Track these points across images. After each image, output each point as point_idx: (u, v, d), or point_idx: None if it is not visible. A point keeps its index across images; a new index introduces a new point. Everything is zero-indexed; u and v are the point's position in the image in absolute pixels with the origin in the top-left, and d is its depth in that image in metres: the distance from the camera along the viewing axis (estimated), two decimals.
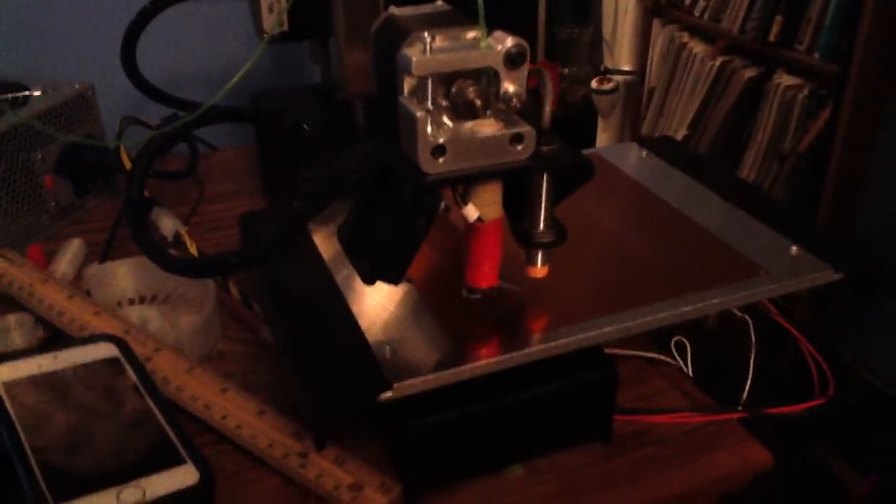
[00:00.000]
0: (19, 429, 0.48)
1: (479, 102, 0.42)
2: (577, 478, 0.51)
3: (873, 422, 1.46)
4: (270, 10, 0.64)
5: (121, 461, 0.47)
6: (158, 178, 0.75)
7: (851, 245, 0.57)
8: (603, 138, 2.30)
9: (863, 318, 1.52)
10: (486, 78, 0.42)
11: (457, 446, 0.49)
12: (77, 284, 0.65)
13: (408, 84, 0.43)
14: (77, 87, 0.73)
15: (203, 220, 0.76)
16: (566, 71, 2.36)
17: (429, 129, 0.42)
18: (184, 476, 0.46)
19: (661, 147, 0.70)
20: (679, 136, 1.88)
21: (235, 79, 0.60)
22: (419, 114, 0.41)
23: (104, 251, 0.68)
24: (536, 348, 0.48)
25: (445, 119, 0.42)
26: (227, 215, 0.76)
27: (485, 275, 0.48)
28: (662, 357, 0.60)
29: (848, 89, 1.42)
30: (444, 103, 0.42)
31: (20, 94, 0.72)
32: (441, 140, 0.41)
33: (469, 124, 0.42)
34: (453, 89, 0.42)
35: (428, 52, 0.41)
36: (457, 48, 0.42)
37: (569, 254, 0.50)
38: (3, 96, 0.72)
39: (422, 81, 0.42)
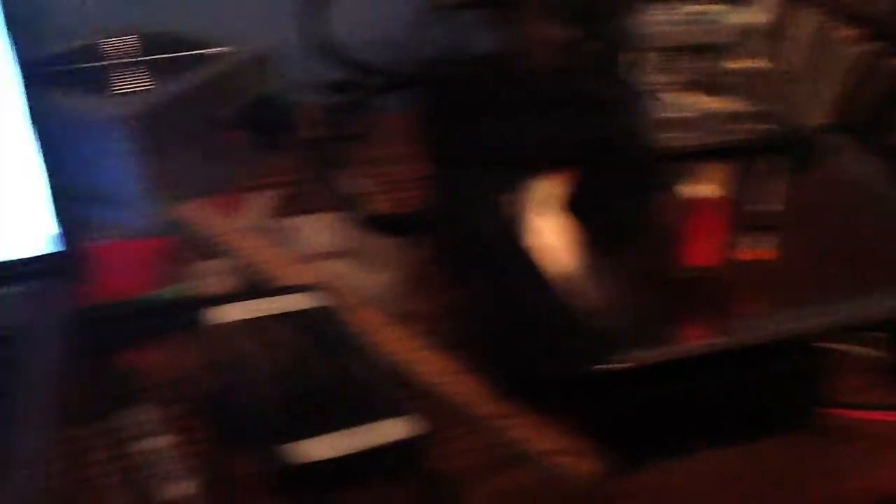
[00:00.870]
0: (244, 369, 0.50)
1: (709, 78, 0.41)
2: (776, 467, 0.51)
3: None
4: None
5: (340, 409, 0.49)
6: (334, 139, 0.77)
7: None
8: None
9: None
10: (718, 53, 0.42)
11: (659, 424, 0.49)
12: (265, 236, 0.67)
13: (641, 57, 0.43)
14: (259, 46, 0.75)
15: (376, 182, 0.77)
16: None
17: (655, 103, 0.42)
18: (400, 427, 0.48)
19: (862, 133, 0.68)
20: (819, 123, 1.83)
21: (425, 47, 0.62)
22: (653, 87, 0.41)
23: (290, 205, 0.70)
24: (746, 334, 0.47)
25: (671, 94, 0.42)
26: (399, 178, 0.77)
27: (704, 253, 0.48)
28: (860, 350, 0.58)
29: None
30: (670, 78, 0.42)
31: (206, 52, 0.75)
32: (672, 114, 0.41)
33: (701, 99, 0.42)
34: (679, 64, 0.42)
35: (653, 25, 0.40)
36: (689, 23, 0.41)
37: (788, 237, 0.49)
38: (189, 53, 0.75)
39: (657, 55, 0.42)
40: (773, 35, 0.43)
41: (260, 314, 0.55)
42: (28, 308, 0.56)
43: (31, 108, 0.54)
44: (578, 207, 0.49)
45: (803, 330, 0.48)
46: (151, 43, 0.78)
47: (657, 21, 0.41)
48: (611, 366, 0.45)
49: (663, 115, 0.42)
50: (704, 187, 0.46)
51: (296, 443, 0.45)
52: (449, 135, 0.77)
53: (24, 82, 0.53)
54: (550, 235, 0.54)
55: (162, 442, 0.49)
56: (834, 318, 0.49)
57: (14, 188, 0.56)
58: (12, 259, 0.57)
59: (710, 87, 0.43)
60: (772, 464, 0.51)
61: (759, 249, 0.49)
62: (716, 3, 0.42)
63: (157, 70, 0.73)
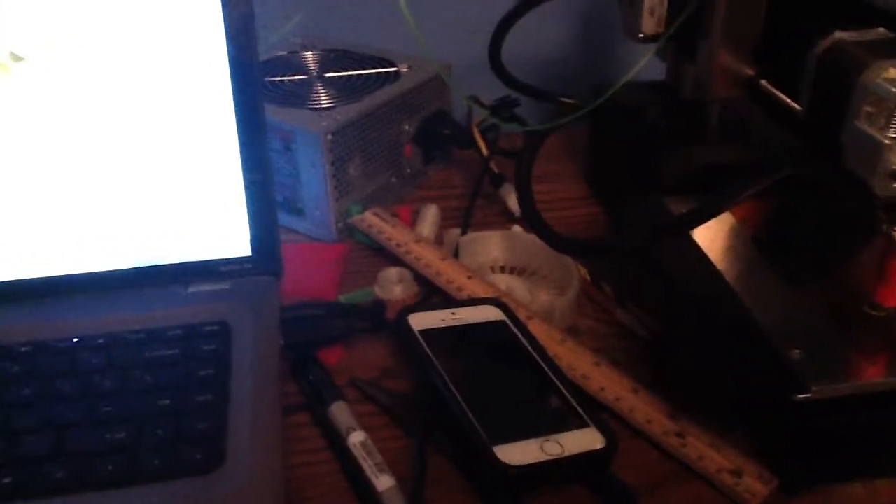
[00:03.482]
0: (445, 374, 0.55)
1: None
2: None
3: None
4: (651, 13, 0.67)
5: (536, 417, 0.53)
6: (498, 154, 0.81)
7: None
8: None
9: None
10: None
11: (838, 451, 0.52)
12: (441, 247, 0.72)
13: (865, 108, 0.46)
14: (438, 65, 0.80)
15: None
16: None
17: (891, 155, 0.45)
18: (591, 438, 0.52)
19: None
20: None
21: (629, 76, 0.65)
22: (886, 141, 0.44)
23: (465, 219, 0.74)
24: None
25: None
26: (554, 196, 0.81)
27: (894, 294, 0.51)
28: None
29: None
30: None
31: (391, 69, 0.80)
32: None
33: None
34: None
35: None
36: None
37: None
38: (377, 70, 0.80)
39: (887, 108, 0.45)
40: None
41: (448, 322, 0.60)
42: (234, 303, 0.60)
43: (239, 115, 0.58)
44: (774, 238, 0.52)
45: None
46: (340, 59, 0.84)
47: None
48: (810, 396, 0.48)
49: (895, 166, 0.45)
50: None
51: (500, 446, 0.50)
52: (622, 159, 0.81)
53: (235, 90, 0.57)
54: (738, 261, 0.57)
55: (366, 436, 0.54)
56: None
57: (219, 191, 0.60)
58: (215, 259, 0.62)
59: None
60: None
61: None
62: None
63: (346, 85, 0.79)
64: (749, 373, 0.51)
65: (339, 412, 0.55)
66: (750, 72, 0.64)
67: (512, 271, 0.70)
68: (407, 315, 0.60)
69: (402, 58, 0.82)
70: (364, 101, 0.74)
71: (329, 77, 0.79)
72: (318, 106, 0.74)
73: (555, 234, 0.60)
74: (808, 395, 0.48)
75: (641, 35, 0.69)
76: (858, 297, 0.53)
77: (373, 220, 0.73)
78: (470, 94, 0.82)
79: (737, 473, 0.53)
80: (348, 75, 0.79)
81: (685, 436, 0.55)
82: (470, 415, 0.52)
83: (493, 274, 0.69)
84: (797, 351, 0.50)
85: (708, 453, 0.54)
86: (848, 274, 0.54)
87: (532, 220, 0.61)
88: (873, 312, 0.52)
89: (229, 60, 0.57)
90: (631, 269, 0.64)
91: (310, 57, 0.83)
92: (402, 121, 0.78)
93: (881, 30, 0.52)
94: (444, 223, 0.76)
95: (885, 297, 0.51)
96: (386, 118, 0.76)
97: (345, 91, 0.77)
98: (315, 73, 0.80)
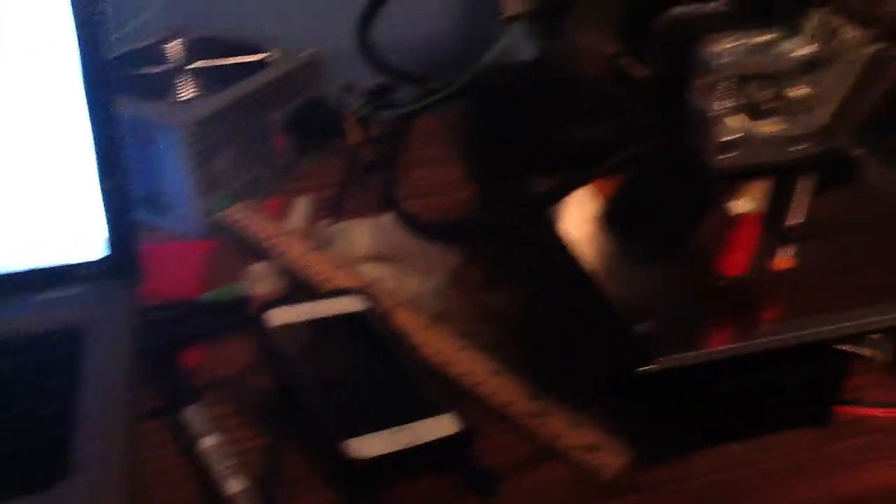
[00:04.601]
0: (300, 369, 0.54)
1: (769, 104, 0.44)
2: (797, 458, 0.54)
3: None
4: None
5: (389, 407, 0.53)
6: (371, 142, 0.80)
7: None
8: None
9: None
10: (776, 80, 0.45)
11: (691, 419, 0.53)
12: (310, 239, 0.71)
13: (702, 81, 0.46)
14: (309, 51, 0.78)
15: (410, 185, 0.80)
16: None
17: (720, 126, 0.45)
18: (446, 424, 0.51)
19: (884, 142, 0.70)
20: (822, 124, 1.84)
21: (488, 56, 0.65)
22: (714, 112, 0.45)
23: (335, 209, 0.73)
24: (774, 337, 0.51)
25: (735, 118, 0.45)
26: (433, 181, 0.81)
27: (737, 263, 0.51)
28: (864, 351, 0.62)
29: None
30: (735, 101, 0.45)
31: (258, 58, 0.78)
32: (730, 137, 0.45)
33: (756, 122, 0.45)
34: (744, 89, 0.45)
35: (726, 54, 0.44)
36: (753, 51, 0.44)
37: (813, 248, 0.52)
38: (243, 59, 0.78)
39: (718, 80, 0.45)
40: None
41: (308, 316, 0.59)
42: (87, 309, 0.58)
43: (91, 111, 0.56)
44: (625, 214, 0.52)
45: (826, 334, 0.51)
46: (206, 48, 0.81)
47: (730, 50, 0.45)
48: (653, 367, 0.48)
49: (727, 137, 0.45)
50: (743, 203, 0.49)
51: (348, 440, 0.49)
52: (495, 141, 0.80)
53: (86, 85, 0.55)
54: (593, 240, 0.57)
55: (219, 439, 0.52)
56: (854, 324, 0.52)
57: (71, 191, 0.58)
58: (70, 262, 0.59)
59: (767, 111, 0.46)
60: (789, 457, 0.54)
61: (789, 259, 0.52)
62: (775, 33, 0.45)
63: (211, 75, 0.76)
64: (601, 349, 0.52)
65: (193, 415, 0.54)
66: (612, 49, 0.65)
67: (384, 259, 0.69)
68: (264, 311, 0.58)
69: (273, 44, 0.80)
70: (228, 92, 0.72)
71: (193, 67, 0.77)
72: (180, 98, 0.72)
73: (416, 219, 0.59)
74: (653, 367, 0.48)
75: (506, 14, 0.69)
76: (706, 269, 0.53)
77: (240, 215, 0.71)
78: (346, 80, 0.81)
79: (593, 449, 0.53)
80: (214, 65, 0.77)
81: (544, 416, 0.55)
82: (320, 409, 0.51)
83: (364, 263, 0.68)
84: (644, 324, 0.51)
85: (566, 431, 0.54)
86: (698, 247, 0.55)
87: (394, 205, 0.60)
88: (719, 283, 0.53)
89: (79, 53, 0.55)
90: (498, 252, 0.64)
91: (174, 47, 0.81)
92: (271, 110, 0.76)
93: (714, 3, 0.52)
94: (320, 214, 0.75)
95: (728, 268, 0.52)
96: (253, 108, 0.74)
97: (210, 81, 0.74)
98: (178, 64, 0.78)
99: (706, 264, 0.53)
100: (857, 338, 0.58)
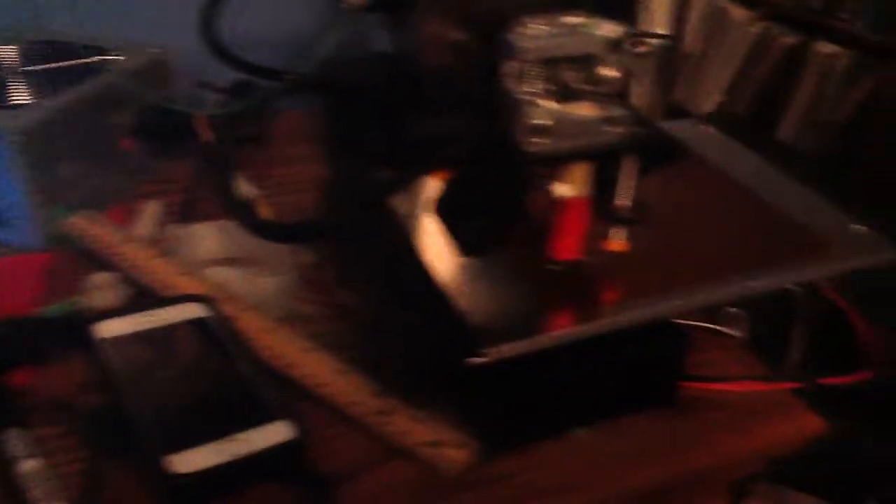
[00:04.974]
0: (125, 383, 0.51)
1: (577, 86, 0.44)
2: (644, 439, 0.54)
3: None
4: None
5: (219, 417, 0.51)
6: (235, 142, 0.77)
7: None
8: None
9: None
10: (585, 62, 0.44)
11: (532, 408, 0.52)
12: (157, 245, 0.68)
13: (511, 67, 0.45)
14: (154, 51, 0.75)
15: (271, 185, 0.78)
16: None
17: (531, 110, 0.44)
18: (279, 431, 0.50)
19: (724, 122, 0.71)
20: (713, 103, 1.88)
21: (322, 48, 0.62)
22: (523, 96, 0.44)
23: (182, 213, 0.70)
24: (612, 319, 0.50)
25: (545, 101, 0.44)
26: (295, 180, 0.79)
27: (567, 247, 0.51)
28: (721, 328, 0.62)
29: (893, 60, 1.42)
30: (545, 86, 0.44)
31: (102, 58, 0.74)
32: (541, 121, 0.44)
33: (567, 106, 0.45)
34: (554, 73, 0.44)
35: (532, 38, 0.43)
36: (559, 35, 0.44)
37: (645, 229, 0.52)
38: (83, 60, 0.74)
39: (526, 64, 0.44)
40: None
41: (146, 326, 0.57)
42: None
43: None
44: (451, 207, 0.51)
45: (663, 312, 0.51)
46: (43, 51, 0.77)
47: (535, 33, 0.44)
48: (482, 359, 0.47)
49: (537, 121, 0.45)
50: (570, 187, 0.49)
51: (174, 454, 0.47)
52: (346, 136, 0.78)
53: None
54: (430, 234, 0.56)
55: (40, 462, 0.49)
56: (690, 301, 0.52)
57: None
58: None
59: (579, 94, 0.45)
60: (639, 438, 0.54)
61: (623, 242, 0.52)
62: (587, 15, 0.45)
63: (49, 79, 0.73)
64: (438, 341, 0.50)
65: (12, 439, 0.51)
66: (456, 38, 0.63)
67: (234, 262, 0.67)
68: (93, 324, 0.55)
69: (118, 45, 0.77)
70: (65, 95, 0.69)
71: (28, 71, 0.73)
72: (14, 103, 0.68)
73: (258, 221, 0.57)
74: (485, 358, 0.47)
75: (346, 5, 0.67)
76: (540, 255, 0.53)
77: (82, 224, 0.68)
78: (199, 79, 0.78)
79: (437, 444, 0.52)
80: (50, 68, 0.73)
81: (390, 413, 0.54)
82: (144, 425, 0.49)
83: (210, 267, 0.66)
84: (478, 315, 0.50)
85: (410, 428, 0.53)
86: (531, 234, 0.55)
87: (232, 207, 0.58)
88: (553, 268, 0.52)
89: None
90: (347, 249, 0.62)
91: (9, 50, 0.77)
92: (115, 113, 0.73)
93: None
94: (169, 219, 0.72)
95: (560, 252, 0.51)
96: (96, 112, 0.71)
97: (46, 85, 0.71)
98: (13, 68, 0.74)
99: (540, 251, 0.52)
100: (696, 314, 0.58)
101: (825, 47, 1.60)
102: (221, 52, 0.76)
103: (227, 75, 0.79)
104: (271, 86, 0.66)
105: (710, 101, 1.91)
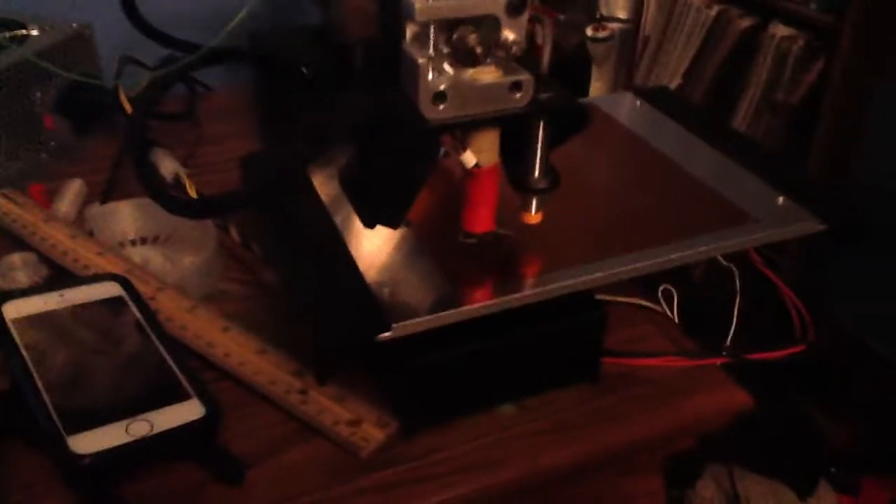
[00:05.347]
0: (30, 364, 0.50)
1: (479, 50, 0.42)
2: (566, 415, 0.53)
3: (857, 375, 1.49)
4: None
5: (128, 396, 0.49)
6: (157, 119, 0.76)
7: (840, 198, 0.59)
8: (597, 87, 2.29)
9: (849, 270, 1.54)
10: (486, 25, 0.43)
11: (451, 385, 0.51)
12: (79, 224, 0.66)
13: (410, 30, 0.44)
14: (75, 26, 0.73)
15: (201, 162, 0.76)
16: (561, 17, 2.33)
17: (430, 75, 0.43)
18: (190, 410, 0.48)
19: (656, 97, 0.71)
20: (673, 86, 1.88)
21: (237, 20, 0.61)
22: (421, 60, 0.42)
23: (105, 191, 0.68)
24: (528, 292, 0.49)
25: (446, 66, 0.43)
26: (225, 157, 0.76)
27: (481, 219, 0.50)
28: (650, 304, 0.62)
29: (842, 40, 1.42)
30: (446, 50, 0.43)
31: (18, 33, 0.72)
32: (442, 87, 0.42)
33: (469, 71, 0.43)
34: (454, 36, 0.43)
35: None
36: None
37: (562, 200, 0.51)
38: (2, 34, 0.72)
39: (424, 28, 0.43)
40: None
41: (59, 306, 0.55)
42: None
43: None
44: (354, 178, 0.50)
45: (579, 285, 0.50)
46: None
47: None
48: (390, 334, 0.46)
49: (440, 87, 0.43)
50: (479, 156, 0.47)
51: (76, 435, 0.45)
52: (273, 111, 0.77)
53: None
54: (343, 206, 0.55)
55: None
56: (608, 273, 0.51)
57: None
58: None
59: (485, 58, 0.44)
60: (561, 415, 0.53)
61: (537, 213, 0.51)
62: None
63: None
64: (350, 318, 0.49)
65: None
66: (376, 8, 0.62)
67: (155, 240, 0.65)
68: (2, 303, 0.54)
69: (37, 19, 0.74)
70: None
71: None
72: None
73: (169, 197, 0.55)
74: (390, 333, 0.46)
75: None
76: (456, 229, 0.51)
77: (2, 203, 0.66)
78: (124, 54, 0.76)
79: (355, 423, 0.51)
80: None
81: (308, 391, 0.52)
82: (49, 406, 0.47)
83: (129, 247, 0.64)
84: (386, 290, 0.49)
85: (329, 406, 0.52)
86: (443, 206, 0.54)
87: (145, 183, 0.56)
88: (468, 241, 0.51)
89: None
90: (268, 226, 0.61)
91: None
92: (35, 89, 0.71)
93: None
94: (91, 198, 0.70)
95: (473, 224, 0.50)
96: (14, 88, 0.69)
97: None
98: None
99: (453, 223, 0.51)
100: (615, 287, 0.57)
101: (780, 29, 1.61)
102: (145, 28, 0.74)
103: (157, 54, 0.77)
104: (192, 57, 0.64)
105: (670, 84, 1.91)
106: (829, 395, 1.46)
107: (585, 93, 2.27)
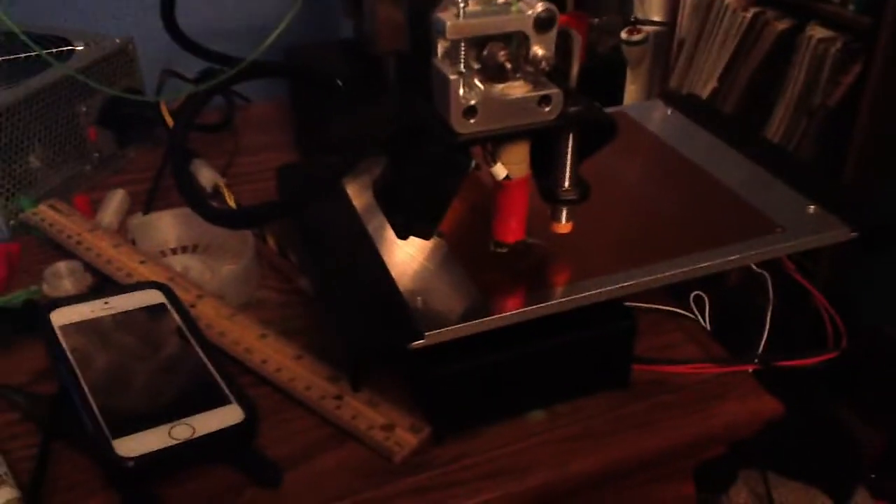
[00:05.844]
0: (77, 369, 0.52)
1: (509, 65, 0.43)
2: (595, 422, 0.54)
3: (890, 377, 1.47)
4: None
5: (170, 401, 0.51)
6: (196, 130, 0.78)
7: (869, 204, 0.58)
8: (632, 90, 2.28)
9: (884, 276, 1.52)
10: (516, 41, 0.44)
11: (482, 392, 0.52)
12: (122, 234, 0.68)
13: (441, 46, 0.45)
14: (118, 40, 0.75)
15: (239, 172, 0.78)
16: (596, 21, 2.33)
17: (461, 90, 0.44)
18: (230, 414, 0.50)
19: (686, 104, 0.71)
20: (708, 89, 1.87)
21: (275, 34, 0.62)
22: (452, 76, 0.43)
23: (147, 201, 0.71)
24: (559, 300, 0.50)
25: (477, 81, 0.44)
26: (263, 167, 0.79)
27: (512, 230, 0.51)
28: (681, 311, 0.62)
29: (879, 42, 1.40)
30: (476, 66, 0.44)
31: (64, 49, 0.75)
32: (472, 101, 0.44)
33: (499, 86, 0.44)
34: (485, 52, 0.44)
35: (461, 16, 0.43)
36: (488, 13, 0.43)
37: (593, 210, 0.52)
38: (47, 50, 0.75)
39: (455, 44, 0.44)
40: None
41: (103, 313, 0.57)
42: None
43: None
44: (386, 190, 0.51)
45: (609, 293, 0.51)
46: (8, 41, 0.77)
47: (467, 10, 0.43)
48: (424, 342, 0.47)
49: (471, 102, 0.44)
50: (509, 168, 0.48)
51: (120, 439, 0.47)
52: (310, 123, 0.79)
53: None
54: (377, 217, 0.56)
55: None
56: (638, 281, 0.51)
57: None
58: None
59: (514, 73, 0.45)
60: (591, 421, 0.54)
61: (568, 223, 0.52)
62: None
63: (13, 71, 0.73)
64: (382, 326, 0.50)
65: None
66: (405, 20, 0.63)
67: (195, 249, 0.67)
68: (50, 311, 0.56)
69: (81, 35, 0.77)
70: (24, 85, 0.69)
71: None
72: None
73: (208, 206, 0.57)
74: (423, 342, 0.47)
75: None
76: (486, 238, 0.52)
77: (46, 213, 0.68)
78: (167, 68, 0.78)
79: (389, 428, 0.52)
80: (12, 58, 0.73)
81: (343, 397, 0.54)
82: (95, 410, 0.49)
83: (170, 255, 0.66)
84: (419, 299, 0.50)
85: (363, 411, 0.53)
86: (475, 217, 0.55)
87: (185, 193, 0.58)
88: (499, 250, 0.52)
89: None
90: (304, 235, 0.62)
91: None
92: (80, 102, 0.73)
93: None
94: (135, 208, 0.72)
95: (504, 234, 0.51)
96: (60, 101, 0.71)
97: (7, 75, 0.71)
98: None
99: (485, 234, 0.52)
100: (647, 295, 0.58)
101: (818, 31, 1.59)
102: (183, 41, 0.76)
103: (196, 66, 0.79)
104: (229, 71, 0.66)
105: (706, 87, 1.90)
106: (867, 401, 1.44)
107: (620, 96, 2.26)
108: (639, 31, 2.20)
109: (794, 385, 0.65)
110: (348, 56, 0.75)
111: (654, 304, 0.62)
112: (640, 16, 2.27)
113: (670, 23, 2.13)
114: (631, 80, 2.31)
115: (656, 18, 2.22)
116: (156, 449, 0.47)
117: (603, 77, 2.22)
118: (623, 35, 2.19)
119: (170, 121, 0.73)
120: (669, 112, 0.69)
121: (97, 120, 0.75)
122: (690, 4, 2.01)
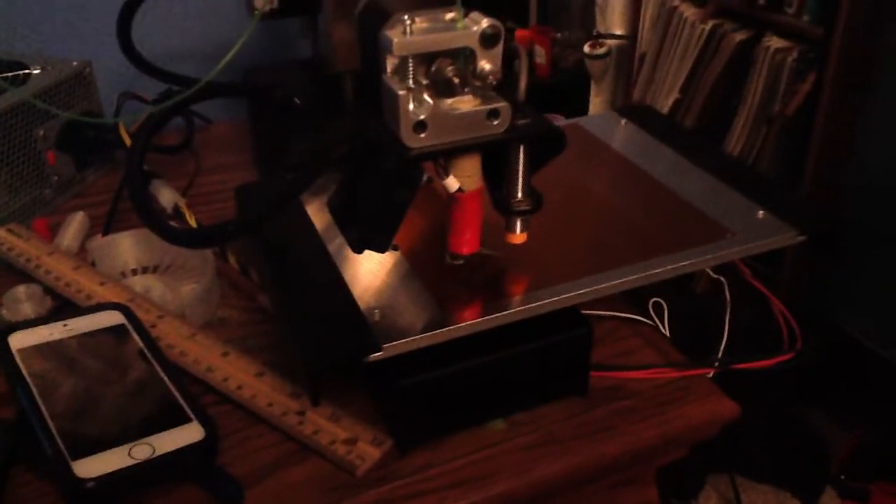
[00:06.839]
0: (36, 393, 0.52)
1: (457, 80, 0.44)
2: (556, 429, 0.55)
3: (857, 378, 1.50)
4: None
5: (130, 421, 0.51)
6: (156, 151, 0.78)
7: (817, 208, 0.60)
8: (596, 103, 2.31)
9: (839, 276, 1.55)
10: (463, 57, 0.45)
11: (442, 403, 0.53)
12: (82, 256, 0.68)
13: (390, 63, 0.46)
14: (75, 64, 0.75)
15: (200, 193, 0.78)
16: (558, 36, 2.36)
17: (410, 106, 0.45)
18: (190, 433, 0.50)
19: (641, 116, 0.72)
20: (670, 101, 1.90)
21: (230, 55, 0.63)
22: (401, 92, 0.44)
23: (106, 223, 0.71)
24: (515, 310, 0.51)
25: (426, 96, 0.45)
26: (223, 187, 0.79)
27: (466, 242, 0.52)
28: (639, 317, 0.63)
29: (832, 52, 1.44)
30: (425, 81, 0.45)
31: (20, 73, 0.74)
32: (422, 116, 0.44)
33: (448, 101, 0.45)
34: (433, 68, 0.45)
35: (408, 33, 0.43)
36: (435, 29, 0.44)
37: (547, 220, 0.53)
38: (4, 75, 0.74)
39: (402, 61, 0.45)
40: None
41: (62, 336, 0.57)
42: None
43: None
44: (340, 206, 0.52)
45: (564, 301, 0.52)
46: None
47: (414, 28, 0.44)
48: (382, 354, 0.48)
49: (420, 117, 0.45)
50: (461, 181, 0.49)
51: (80, 460, 0.47)
52: (267, 141, 0.79)
53: None
54: (333, 233, 0.57)
55: None
56: (591, 289, 0.52)
57: None
58: None
59: (462, 88, 0.46)
60: (550, 428, 0.55)
61: (521, 233, 0.53)
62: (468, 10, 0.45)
63: None
64: (341, 339, 0.51)
65: None
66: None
67: (155, 269, 0.67)
68: (8, 335, 0.56)
69: (38, 59, 0.77)
70: None
71: None
72: None
73: (167, 227, 0.57)
74: (380, 354, 0.48)
75: (256, 11, 0.68)
76: (440, 251, 0.53)
77: (5, 238, 0.68)
78: (125, 90, 0.78)
79: (351, 442, 0.52)
80: None
81: (305, 412, 0.54)
82: (53, 432, 0.49)
83: (131, 277, 0.66)
84: (377, 312, 0.50)
85: (325, 426, 0.53)
86: (429, 230, 0.55)
87: (142, 214, 0.58)
88: (455, 263, 0.53)
89: None
90: (262, 252, 0.62)
91: None
92: (35, 126, 0.73)
93: None
94: (94, 231, 0.72)
95: (459, 246, 0.52)
96: (15, 125, 0.71)
97: None
98: None
99: (439, 246, 0.53)
100: (601, 302, 0.59)
101: (774, 42, 1.63)
102: (140, 63, 0.76)
103: (158, 88, 0.80)
104: (186, 92, 0.66)
105: (668, 99, 1.93)
106: (836, 403, 1.46)
107: (585, 109, 2.29)
108: (601, 45, 2.23)
109: (760, 388, 0.67)
110: (307, 76, 0.76)
111: (613, 311, 0.63)
112: (602, 30, 2.31)
113: (632, 36, 2.17)
114: (595, 93, 2.34)
115: (618, 32, 2.26)
116: (115, 469, 0.47)
117: (567, 90, 2.25)
118: (586, 49, 2.22)
119: (129, 142, 0.73)
120: (623, 123, 0.71)
121: (56, 144, 0.75)
122: (650, 18, 2.04)
